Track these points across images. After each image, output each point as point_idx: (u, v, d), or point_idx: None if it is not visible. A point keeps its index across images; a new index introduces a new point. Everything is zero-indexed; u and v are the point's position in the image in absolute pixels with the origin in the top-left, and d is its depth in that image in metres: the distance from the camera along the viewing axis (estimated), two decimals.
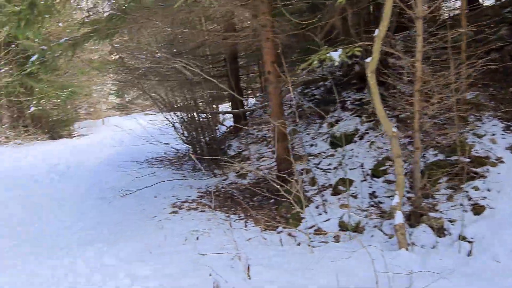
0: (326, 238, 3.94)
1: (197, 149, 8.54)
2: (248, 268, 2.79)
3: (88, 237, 4.21)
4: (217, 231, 3.99)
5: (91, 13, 4.77)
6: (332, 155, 5.84)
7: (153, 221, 4.56)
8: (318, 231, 4.20)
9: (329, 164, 5.61)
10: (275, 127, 4.70)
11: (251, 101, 12.15)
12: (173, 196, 5.60)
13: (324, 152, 6.06)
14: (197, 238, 3.80)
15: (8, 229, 4.64)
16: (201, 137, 8.05)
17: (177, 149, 9.30)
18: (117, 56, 10.60)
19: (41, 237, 4.32)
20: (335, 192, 4.88)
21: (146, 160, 8.92)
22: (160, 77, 7.64)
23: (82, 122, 18.39)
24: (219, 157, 6.67)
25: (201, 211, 4.88)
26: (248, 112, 9.40)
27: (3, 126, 12.59)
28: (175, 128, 9.15)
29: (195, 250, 3.44)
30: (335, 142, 5.98)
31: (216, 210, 4.87)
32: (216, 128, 8.27)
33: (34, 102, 13.26)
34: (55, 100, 13.64)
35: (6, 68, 12.23)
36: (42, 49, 4.12)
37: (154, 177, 6.75)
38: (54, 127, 14.65)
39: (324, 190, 4.99)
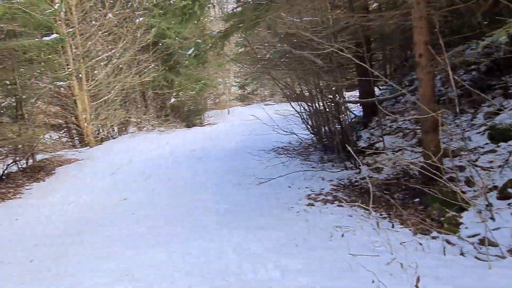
0: (498, 251, 3.26)
1: (324, 139, 8.30)
2: (418, 279, 2.42)
3: (231, 220, 4.35)
4: (363, 229, 3.68)
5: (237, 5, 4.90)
6: (494, 151, 4.90)
7: (291, 211, 4.48)
8: (485, 242, 3.53)
9: (491, 162, 4.71)
10: (428, 118, 4.11)
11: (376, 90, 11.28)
12: (307, 187, 5.47)
13: (482, 147, 5.14)
14: (343, 235, 3.55)
15: (158, 210, 5.14)
16: (328, 127, 7.78)
17: (302, 139, 9.21)
18: (241, 49, 10.97)
19: (187, 218, 4.64)
20: (504, 196, 4.05)
21: (273, 149, 9.05)
22: (289, 67, 7.55)
23: (209, 112, 19.87)
24: (356, 149, 6.32)
25: (338, 206, 4.63)
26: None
27: (150, 116, 14.36)
28: (301, 117, 9.06)
29: (344, 248, 3.20)
30: (496, 136, 5.02)
31: (355, 206, 4.56)
32: (345, 118, 7.84)
33: (174, 94, 14.82)
34: (191, 92, 14.98)
35: (153, 65, 13.88)
36: (197, 42, 4.37)
37: (284, 167, 6.75)
38: (189, 116, 16.19)
39: (488, 192, 4.20)
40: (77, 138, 15.51)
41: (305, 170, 6.08)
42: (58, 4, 8.28)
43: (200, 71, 16.41)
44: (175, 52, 14.75)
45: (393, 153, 6.40)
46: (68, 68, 10.92)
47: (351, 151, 6.63)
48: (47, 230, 4.67)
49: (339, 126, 7.52)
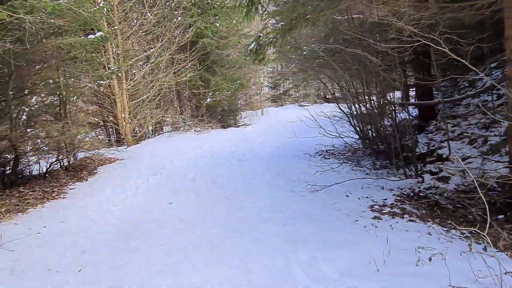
0: None
1: (377, 144, 7.73)
2: None
3: (292, 233, 3.92)
4: (450, 251, 3.15)
5: None
6: None
7: (358, 226, 4.00)
8: None
9: None
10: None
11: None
12: (367, 197, 4.97)
13: None
14: (430, 259, 3.04)
15: (208, 217, 4.79)
16: (381, 131, 7.21)
17: (348, 143, 8.66)
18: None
19: (242, 228, 4.26)
20: None
21: (317, 152, 8.57)
22: (341, 65, 7.04)
23: (243, 112, 19.55)
24: (415, 155, 5.74)
25: (410, 221, 4.10)
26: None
27: (186, 115, 14.18)
28: (349, 120, 8.52)
29: (438, 276, 2.71)
30: None
31: (428, 221, 4.03)
32: (402, 121, 7.25)
33: (210, 94, 14.59)
34: (226, 92, 14.70)
35: (189, 64, 13.69)
36: (258, 35, 3.99)
37: (335, 173, 6.27)
38: (223, 117, 15.93)
39: None
40: (113, 136, 15.62)
41: (362, 178, 5.56)
42: (103, 2, 8.17)
43: (235, 70, 16.14)
44: (212, 52, 14.52)
45: (461, 161, 5.77)
46: (108, 67, 10.88)
47: (413, 158, 6.10)
48: (94, 235, 4.42)
49: (394, 130, 6.94)
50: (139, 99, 12.37)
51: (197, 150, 10.03)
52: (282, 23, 3.72)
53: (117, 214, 5.17)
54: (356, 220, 4.17)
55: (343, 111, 8.27)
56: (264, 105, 22.10)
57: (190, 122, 14.04)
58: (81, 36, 7.92)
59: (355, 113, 8.32)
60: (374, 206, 4.63)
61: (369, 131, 7.89)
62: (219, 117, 15.43)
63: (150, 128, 13.82)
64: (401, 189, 5.30)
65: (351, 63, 7.26)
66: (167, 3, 13.67)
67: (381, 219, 4.17)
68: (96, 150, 9.79)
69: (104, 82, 10.74)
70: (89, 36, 7.47)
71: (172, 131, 13.45)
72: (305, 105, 21.49)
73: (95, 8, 8.20)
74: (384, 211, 4.42)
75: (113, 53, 11.29)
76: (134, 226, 4.59)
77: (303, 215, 4.42)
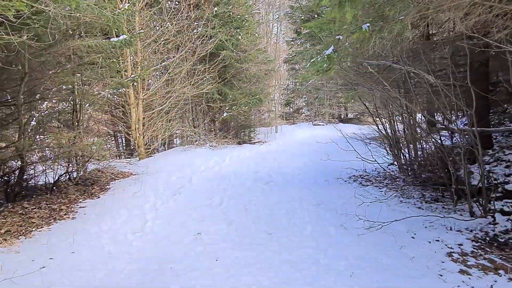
0: None
1: (417, 171, 6.90)
2: None
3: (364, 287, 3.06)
4: None
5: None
6: None
7: (446, 283, 3.13)
8: None
9: None
10: None
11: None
12: (437, 240, 4.10)
13: None
14: None
15: (250, 258, 3.93)
16: (430, 157, 6.39)
17: (384, 168, 7.84)
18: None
19: (295, 276, 3.40)
20: None
21: (350, 177, 7.73)
22: (390, 83, 6.28)
23: (257, 129, 18.77)
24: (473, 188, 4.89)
25: (510, 279, 3.23)
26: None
27: (206, 130, 13.40)
28: (389, 143, 7.73)
29: None
30: None
31: None
32: (450, 147, 6.43)
33: (227, 108, 13.84)
34: (244, 107, 13.96)
35: (207, 77, 12.99)
36: (337, 38, 3.22)
37: (383, 204, 5.40)
38: (239, 132, 15.14)
39: None
40: (122, 147, 14.84)
41: (426, 216, 4.70)
42: (128, 4, 7.53)
43: (252, 85, 15.46)
44: (231, 65, 13.85)
45: None
46: (126, 75, 10.17)
47: (469, 191, 5.25)
48: (112, 275, 3.55)
49: (446, 157, 6.13)
50: (154, 110, 11.63)
51: (216, 168, 9.20)
52: (367, 24, 2.95)
53: (138, 245, 4.30)
54: (441, 275, 3.29)
55: (385, 133, 7.49)
56: (276, 122, 21.34)
57: (204, 137, 13.26)
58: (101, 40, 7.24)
59: (392, 134, 7.54)
60: (453, 254, 3.75)
61: (412, 157, 7.08)
62: (235, 132, 14.65)
63: (160, 140, 13.00)
64: (472, 231, 4.43)
65: (402, 81, 6.52)
66: (188, 14, 13.09)
67: (471, 275, 3.30)
68: (107, 162, 8.98)
69: (121, 90, 10.02)
70: (111, 40, 6.76)
71: (186, 145, 12.64)
72: (320, 125, 20.75)
73: (119, 10, 7.52)
74: (469, 263, 3.55)
75: (131, 61, 10.62)
76: (160, 265, 3.72)
77: (370, 263, 3.55)
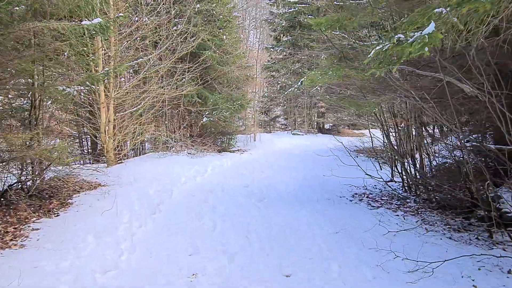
0: None
1: (426, 189, 6.15)
2: None
3: None
4: None
5: None
6: None
7: None
8: None
9: None
10: None
11: None
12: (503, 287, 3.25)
13: None
14: None
15: None
16: (452, 178, 5.63)
17: (390, 186, 7.06)
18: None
19: None
20: None
21: (353, 195, 6.86)
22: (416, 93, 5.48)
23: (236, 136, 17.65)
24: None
25: None
26: None
27: (182, 135, 12.13)
28: (393, 156, 6.97)
29: None
30: None
31: None
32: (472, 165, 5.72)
33: (207, 113, 12.67)
34: (225, 113, 12.84)
35: (187, 78, 11.79)
36: (439, 12, 2.25)
37: (412, 235, 4.51)
38: (218, 139, 13.99)
39: None
40: (91, 152, 13.24)
41: (480, 255, 3.82)
42: None
43: (234, 90, 14.40)
44: (213, 66, 12.73)
45: None
46: (96, 70, 8.78)
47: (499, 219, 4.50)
48: None
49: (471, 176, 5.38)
50: (126, 112, 10.26)
51: (198, 179, 8.03)
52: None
53: None
54: None
55: (389, 145, 6.70)
56: (252, 130, 20.32)
57: (182, 143, 11.99)
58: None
59: (397, 146, 6.78)
60: None
61: (419, 173, 6.33)
62: (215, 140, 13.48)
63: (131, 145, 11.55)
64: None
65: (423, 88, 5.74)
66: (168, 9, 11.83)
67: None
68: (70, 169, 7.54)
69: (91, 87, 8.62)
70: (83, 23, 5.49)
71: (161, 151, 11.30)
72: (299, 134, 19.98)
73: None
74: None
75: (103, 54, 9.25)
76: None
77: None
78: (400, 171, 7.06)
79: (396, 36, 2.45)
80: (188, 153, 11.33)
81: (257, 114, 20.13)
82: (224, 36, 12.53)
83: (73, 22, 5.55)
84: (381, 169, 8.28)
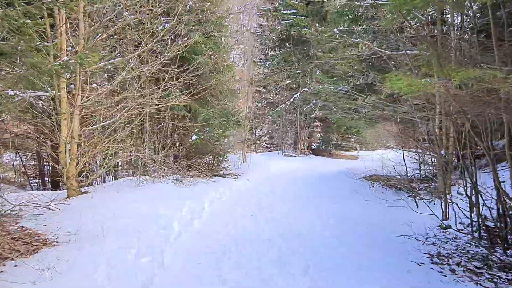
0: None
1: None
2: None
3: None
4: None
5: None
6: None
7: None
8: None
9: None
10: None
11: None
12: None
13: None
14: None
15: None
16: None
17: (459, 236, 5.04)
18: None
19: None
20: None
21: (417, 252, 4.75)
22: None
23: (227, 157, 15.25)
24: None
25: None
26: None
27: (166, 156, 9.67)
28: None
29: None
30: None
31: None
32: None
33: (196, 130, 10.32)
34: (218, 130, 10.58)
35: (175, 87, 9.48)
36: None
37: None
38: (207, 162, 11.61)
39: None
40: (50, 173, 10.53)
41: None
42: None
43: (226, 104, 12.13)
44: (204, 75, 10.48)
45: None
46: (56, 58, 6.31)
47: None
48: None
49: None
50: (96, 126, 7.77)
51: (197, 224, 5.66)
52: None
53: None
54: None
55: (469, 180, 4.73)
56: (244, 150, 18.01)
57: (166, 166, 9.54)
58: None
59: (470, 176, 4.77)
60: None
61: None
62: (205, 162, 11.11)
63: (99, 169, 8.91)
64: None
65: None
66: (153, 4, 9.48)
67: None
68: (8, 209, 4.97)
69: (44, 86, 6.19)
70: None
71: (139, 176, 8.80)
72: (290, 155, 17.88)
73: None
74: None
75: (68, 50, 6.84)
76: None
77: None
78: (471, 210, 5.06)
79: None
80: (175, 180, 8.91)
81: (247, 132, 17.89)
82: (223, 38, 10.35)
83: None
84: (417, 207, 6.41)
